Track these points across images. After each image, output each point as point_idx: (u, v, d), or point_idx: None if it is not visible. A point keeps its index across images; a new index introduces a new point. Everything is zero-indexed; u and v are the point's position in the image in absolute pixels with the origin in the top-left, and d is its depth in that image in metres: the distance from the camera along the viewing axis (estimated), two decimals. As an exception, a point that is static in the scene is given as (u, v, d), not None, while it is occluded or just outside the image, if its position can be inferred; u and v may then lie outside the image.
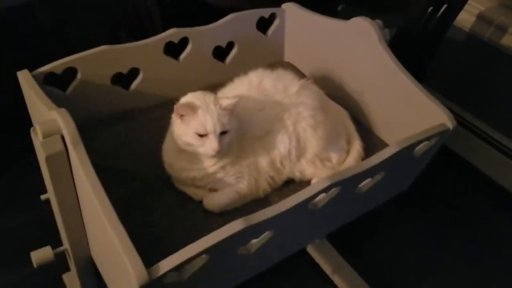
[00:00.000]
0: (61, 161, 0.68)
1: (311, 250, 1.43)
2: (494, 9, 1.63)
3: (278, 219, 0.68)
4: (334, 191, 0.75)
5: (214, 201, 0.82)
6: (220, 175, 0.82)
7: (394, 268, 1.47)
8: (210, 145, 0.77)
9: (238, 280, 0.80)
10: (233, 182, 0.83)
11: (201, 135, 0.77)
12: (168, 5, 1.37)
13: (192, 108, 0.77)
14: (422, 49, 1.21)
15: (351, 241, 1.51)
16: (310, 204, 0.74)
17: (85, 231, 0.79)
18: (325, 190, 0.72)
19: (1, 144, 1.58)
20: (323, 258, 1.40)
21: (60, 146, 0.67)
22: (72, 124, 0.66)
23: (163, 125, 0.90)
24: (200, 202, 0.84)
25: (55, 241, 0.90)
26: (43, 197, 0.90)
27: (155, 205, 0.82)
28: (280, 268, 1.37)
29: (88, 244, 0.82)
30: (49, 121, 0.67)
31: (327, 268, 1.40)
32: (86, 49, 0.91)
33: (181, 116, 0.79)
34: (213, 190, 0.84)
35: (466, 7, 1.52)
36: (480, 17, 1.63)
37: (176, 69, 1.02)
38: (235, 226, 0.63)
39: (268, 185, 0.86)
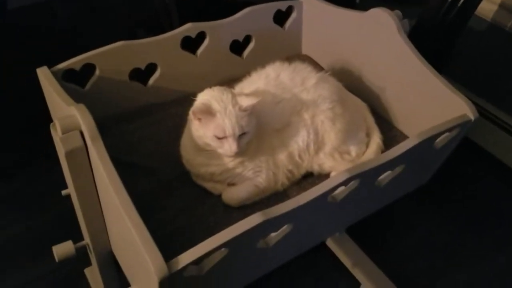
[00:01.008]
0: (80, 156, 0.69)
1: (331, 243, 1.43)
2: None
3: (297, 212, 0.68)
4: (353, 184, 0.74)
5: (233, 195, 0.82)
6: (238, 170, 0.82)
7: (414, 261, 1.45)
8: (229, 147, 0.77)
9: (257, 274, 0.80)
10: (251, 176, 0.82)
11: (220, 137, 0.77)
12: (186, 1, 1.37)
13: (210, 112, 0.77)
14: (443, 39, 1.18)
15: (371, 234, 1.50)
16: (329, 198, 0.73)
17: (105, 225, 0.80)
18: (344, 183, 0.71)
19: (22, 139, 1.61)
20: (343, 251, 1.39)
21: (79, 142, 0.67)
22: (90, 120, 0.67)
23: (180, 122, 0.90)
24: (219, 197, 0.84)
25: (77, 236, 0.91)
26: (63, 192, 0.91)
27: (173, 201, 0.82)
28: (300, 261, 1.37)
29: (108, 238, 0.83)
30: (68, 117, 0.67)
31: (347, 262, 1.39)
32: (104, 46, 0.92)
33: (199, 119, 0.78)
34: (231, 184, 0.84)
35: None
36: (502, 6, 1.59)
37: (193, 64, 1.02)
38: (254, 219, 0.63)
39: (286, 179, 0.85)
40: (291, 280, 1.37)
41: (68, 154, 0.67)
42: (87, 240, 0.85)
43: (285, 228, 0.71)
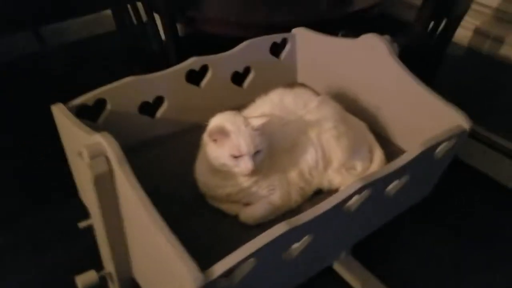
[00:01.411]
0: (107, 181, 0.71)
1: (338, 267, 1.45)
2: (489, 23, 1.70)
3: (317, 221, 0.71)
4: (366, 193, 0.78)
5: (250, 214, 0.85)
6: (254, 189, 0.85)
7: (417, 277, 1.48)
8: (245, 165, 0.80)
9: (288, 285, 0.82)
10: (266, 194, 0.86)
11: (235, 156, 0.81)
12: (182, 40, 1.43)
13: (224, 132, 0.81)
14: (427, 62, 1.26)
15: (375, 255, 1.52)
16: (345, 207, 0.77)
17: (128, 251, 0.82)
18: (358, 191, 0.75)
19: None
20: (351, 274, 1.41)
21: (105, 167, 0.70)
22: (116, 145, 0.70)
23: (191, 149, 0.93)
24: (235, 217, 0.87)
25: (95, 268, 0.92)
26: (81, 225, 0.93)
27: (193, 223, 0.85)
28: (308, 285, 1.39)
29: (130, 264, 0.84)
30: (94, 144, 0.70)
31: (356, 283, 1.40)
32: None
33: (214, 140, 0.82)
34: (247, 204, 0.87)
35: (463, 23, 1.60)
36: (477, 32, 1.70)
37: (198, 96, 1.07)
38: (280, 228, 0.66)
39: (299, 196, 0.89)
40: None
41: (96, 179, 0.70)
42: (109, 268, 0.86)
43: (306, 239, 0.74)
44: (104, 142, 0.70)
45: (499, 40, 1.65)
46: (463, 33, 1.71)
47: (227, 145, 0.80)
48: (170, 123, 1.05)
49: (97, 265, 0.93)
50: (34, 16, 2.39)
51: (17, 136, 1.90)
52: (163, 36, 1.40)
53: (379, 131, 1.08)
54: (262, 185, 0.86)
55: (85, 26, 2.68)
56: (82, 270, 0.88)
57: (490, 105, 1.77)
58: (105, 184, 0.72)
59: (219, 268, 0.62)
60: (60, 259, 1.44)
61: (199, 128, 0.87)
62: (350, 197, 0.75)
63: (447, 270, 1.51)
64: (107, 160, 0.71)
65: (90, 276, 0.84)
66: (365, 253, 1.49)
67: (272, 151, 0.87)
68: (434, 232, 1.64)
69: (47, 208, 1.61)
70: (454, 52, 1.74)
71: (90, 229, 0.93)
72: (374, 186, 0.78)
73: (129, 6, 1.43)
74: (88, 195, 0.78)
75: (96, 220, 0.79)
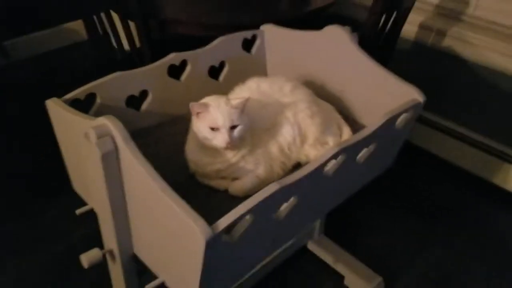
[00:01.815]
0: (113, 159, 0.79)
1: (312, 246, 1.56)
2: (431, 18, 1.88)
3: (302, 182, 0.81)
4: (341, 158, 0.89)
5: (240, 187, 0.94)
6: (241, 164, 0.95)
7: (384, 251, 1.62)
8: (222, 137, 0.90)
9: (273, 247, 0.91)
10: (252, 168, 0.95)
11: (213, 129, 0.90)
12: (156, 44, 1.51)
13: (205, 106, 0.91)
14: (383, 48, 1.41)
15: (345, 234, 1.65)
16: (324, 171, 0.88)
17: (130, 228, 0.89)
18: (335, 156, 0.86)
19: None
20: (324, 251, 1.52)
21: (112, 145, 0.78)
22: (121, 125, 0.78)
23: (176, 138, 1.02)
24: (225, 192, 0.96)
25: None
26: (78, 211, 0.99)
27: (186, 200, 0.93)
28: (286, 267, 1.50)
29: (132, 241, 0.91)
30: (99, 125, 0.78)
31: (329, 259, 1.52)
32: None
33: (197, 113, 0.92)
34: (234, 179, 0.96)
35: (409, 19, 1.76)
36: (422, 27, 1.87)
37: (179, 88, 1.15)
38: (271, 188, 0.76)
39: (281, 169, 0.99)
40: (280, 285, 1.48)
41: (104, 157, 0.77)
42: (110, 246, 0.92)
43: (292, 200, 0.84)
44: (109, 123, 0.78)
45: (442, 33, 1.82)
46: (410, 29, 1.88)
47: (207, 118, 0.90)
48: (154, 115, 1.12)
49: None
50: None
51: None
52: (136, 43, 1.48)
53: (345, 113, 1.20)
54: (248, 160, 0.95)
55: (46, 39, 2.70)
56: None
57: (437, 92, 1.94)
58: (111, 162, 0.79)
59: (223, 222, 0.71)
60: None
61: (182, 119, 0.96)
62: (328, 160, 0.85)
63: (410, 244, 1.66)
64: (112, 139, 0.78)
65: (95, 253, 0.91)
66: (337, 233, 1.61)
67: (254, 130, 0.97)
68: (397, 212, 1.79)
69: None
70: (403, 45, 1.91)
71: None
72: (347, 152, 0.89)
73: (102, 14, 1.50)
74: (92, 176, 0.85)
75: (100, 199, 0.86)
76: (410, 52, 1.92)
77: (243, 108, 0.94)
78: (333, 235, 1.58)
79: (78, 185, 1.04)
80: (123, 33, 1.59)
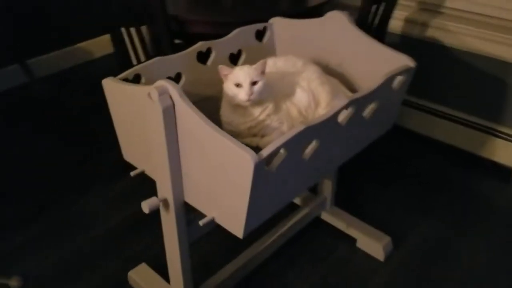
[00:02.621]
0: (171, 113, 0.98)
1: (325, 216, 1.74)
2: (415, 13, 2.11)
3: (322, 126, 1.01)
4: (351, 110, 1.09)
5: (268, 142, 1.13)
6: (267, 121, 1.14)
7: (389, 220, 1.81)
8: (244, 91, 1.10)
9: (304, 184, 1.11)
10: (277, 126, 1.15)
11: (238, 85, 1.10)
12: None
13: (230, 68, 1.13)
14: (376, 31, 1.62)
15: (354, 206, 1.84)
16: (338, 120, 1.07)
17: (182, 178, 1.08)
18: (346, 106, 1.06)
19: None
20: (337, 219, 1.71)
21: (170, 101, 0.97)
22: (176, 85, 0.97)
23: (209, 111, 1.20)
24: (257, 148, 1.14)
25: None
26: (133, 173, 1.17)
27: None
28: (303, 235, 1.68)
29: (183, 190, 1.10)
30: (159, 86, 0.97)
31: (342, 226, 1.70)
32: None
33: (225, 75, 1.12)
34: (263, 136, 1.15)
35: (395, 15, 2.00)
36: (407, 21, 2.10)
37: (206, 72, 1.35)
38: (299, 127, 0.95)
39: None
40: (298, 254, 1.66)
41: (164, 111, 0.97)
42: (165, 195, 1.11)
43: (314, 144, 1.03)
44: (167, 84, 0.97)
45: (425, 25, 2.05)
46: (397, 23, 2.11)
47: (232, 78, 1.11)
48: (188, 95, 1.31)
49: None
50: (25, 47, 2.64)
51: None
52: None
53: (349, 85, 1.40)
54: (273, 118, 1.14)
55: (60, 58, 2.91)
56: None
57: (422, 77, 2.16)
58: (169, 116, 0.98)
59: (265, 151, 0.90)
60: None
61: (211, 99, 1.16)
62: (341, 110, 1.05)
63: (410, 212, 1.85)
64: (170, 97, 0.98)
65: (153, 200, 1.09)
66: (346, 204, 1.80)
67: (276, 96, 1.17)
68: (396, 186, 1.98)
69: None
70: (391, 39, 2.13)
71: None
72: (356, 104, 1.09)
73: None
74: (151, 133, 1.03)
75: (158, 153, 1.04)
76: (398, 45, 2.14)
77: (263, 69, 1.13)
78: (343, 206, 1.77)
79: (129, 154, 1.23)
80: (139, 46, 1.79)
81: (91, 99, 2.61)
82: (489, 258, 1.65)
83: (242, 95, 1.10)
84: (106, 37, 3.07)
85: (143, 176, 1.20)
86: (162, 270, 1.48)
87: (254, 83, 1.11)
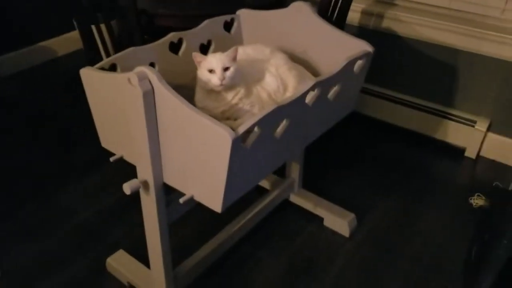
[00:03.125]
0: (151, 98, 1.04)
1: (294, 198, 1.83)
2: (371, 4, 2.24)
3: (291, 106, 1.09)
4: (317, 91, 1.18)
5: (241, 124, 1.21)
6: (240, 105, 1.22)
7: (352, 199, 1.92)
8: (216, 76, 1.17)
9: (276, 161, 1.19)
10: (249, 109, 1.23)
11: (211, 71, 1.18)
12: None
13: (204, 55, 1.20)
14: (337, 21, 1.74)
15: (320, 188, 1.94)
16: (305, 101, 1.16)
17: (161, 160, 1.14)
18: (312, 88, 1.15)
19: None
20: (305, 200, 1.81)
21: (149, 86, 1.03)
22: (155, 70, 1.04)
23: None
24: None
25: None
26: (112, 159, 1.23)
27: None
28: (272, 218, 1.78)
29: (163, 171, 1.16)
30: (139, 72, 1.03)
31: (309, 206, 1.80)
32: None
33: (199, 62, 1.20)
34: (236, 119, 1.23)
35: (353, 7, 2.11)
36: (364, 12, 2.23)
37: (178, 62, 1.41)
38: (271, 107, 1.04)
39: None
40: (269, 234, 1.75)
41: (144, 95, 1.03)
42: (145, 177, 1.17)
43: (285, 123, 1.12)
44: (146, 69, 1.03)
45: (380, 16, 2.18)
46: (355, 15, 2.23)
47: (205, 64, 1.19)
48: (161, 83, 1.38)
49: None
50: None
51: None
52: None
53: (314, 72, 1.50)
54: (245, 102, 1.22)
55: (24, 57, 2.89)
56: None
57: (379, 66, 2.30)
58: (149, 100, 1.04)
59: (241, 129, 0.98)
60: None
61: (184, 87, 1.22)
62: (308, 91, 1.14)
63: (371, 191, 1.97)
64: (149, 82, 1.04)
65: (134, 182, 1.15)
66: (312, 186, 1.90)
67: (247, 81, 1.25)
68: (357, 167, 2.10)
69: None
70: (349, 30, 2.25)
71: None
72: (321, 85, 1.18)
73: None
74: (131, 118, 1.09)
75: (138, 137, 1.10)
76: (356, 35, 2.26)
77: (234, 56, 1.20)
78: (310, 188, 1.87)
79: (108, 141, 1.28)
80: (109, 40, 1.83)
81: (60, 96, 2.62)
82: (443, 227, 1.79)
83: (215, 80, 1.17)
84: (70, 35, 3.07)
85: (117, 169, 1.25)
86: (139, 256, 1.54)
87: (226, 69, 1.18)
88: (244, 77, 1.24)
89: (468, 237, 1.74)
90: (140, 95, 1.03)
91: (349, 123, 2.38)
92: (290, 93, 1.31)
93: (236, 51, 1.21)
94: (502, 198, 1.54)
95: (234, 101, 1.21)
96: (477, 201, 1.90)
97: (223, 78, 1.17)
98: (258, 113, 1.21)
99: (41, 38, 2.97)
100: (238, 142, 0.98)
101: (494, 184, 1.96)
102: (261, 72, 1.30)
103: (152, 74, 1.03)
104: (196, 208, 1.40)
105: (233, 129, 0.97)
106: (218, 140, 0.97)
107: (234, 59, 1.21)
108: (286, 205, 1.84)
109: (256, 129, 1.03)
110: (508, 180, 2.02)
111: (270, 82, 1.29)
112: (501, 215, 1.33)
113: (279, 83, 1.30)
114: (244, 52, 1.34)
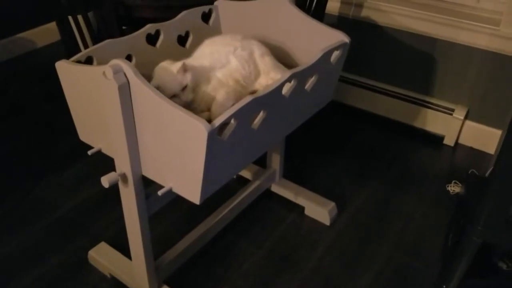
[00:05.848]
0: (126, 90, 1.04)
1: (275, 188, 1.85)
2: (350, -6, 2.25)
3: (268, 97, 1.10)
4: (294, 83, 1.19)
5: (214, 111, 1.21)
6: (200, 95, 1.22)
7: (333, 187, 1.95)
8: (180, 102, 1.16)
9: (254, 153, 1.20)
10: (213, 95, 1.22)
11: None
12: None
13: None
14: (316, 11, 1.74)
15: (301, 177, 1.96)
16: (282, 93, 1.17)
17: (139, 152, 1.14)
18: (289, 79, 1.16)
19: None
20: (286, 190, 1.82)
21: (125, 79, 1.03)
22: (130, 63, 1.03)
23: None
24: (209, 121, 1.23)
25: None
26: (90, 152, 1.22)
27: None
28: (254, 207, 1.79)
29: (141, 164, 1.16)
30: (114, 65, 1.03)
31: (290, 196, 1.82)
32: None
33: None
34: (209, 110, 1.24)
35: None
36: (343, 2, 2.23)
37: (156, 54, 1.41)
38: (247, 99, 1.04)
39: (238, 98, 1.25)
40: (251, 224, 1.76)
41: (120, 88, 1.03)
42: (123, 170, 1.17)
43: (262, 114, 1.13)
44: (121, 62, 1.03)
45: (359, 6, 2.19)
46: (334, 5, 2.24)
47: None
48: (139, 75, 1.38)
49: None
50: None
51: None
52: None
53: (291, 62, 1.50)
54: (206, 90, 1.22)
55: (4, 48, 2.84)
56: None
57: (359, 55, 2.31)
58: (125, 93, 1.04)
59: (217, 121, 0.98)
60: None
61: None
62: (284, 82, 1.15)
63: (351, 179, 2.00)
64: (124, 75, 1.04)
65: (112, 175, 1.15)
66: (293, 176, 1.92)
67: (210, 72, 1.25)
68: (337, 156, 2.13)
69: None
70: (329, 20, 2.26)
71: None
72: (298, 76, 1.19)
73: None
74: (107, 110, 1.09)
75: (115, 130, 1.10)
76: (335, 25, 2.27)
77: (184, 70, 1.18)
78: (291, 178, 1.89)
79: (85, 134, 1.27)
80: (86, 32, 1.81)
81: (39, 88, 2.59)
82: (423, 214, 1.83)
83: (181, 103, 1.16)
84: (48, 26, 3.03)
85: (97, 162, 1.25)
86: (121, 248, 1.55)
87: (183, 88, 1.18)
88: (205, 72, 1.25)
89: (446, 223, 1.78)
90: (115, 88, 1.03)
91: (329, 113, 2.40)
92: (264, 80, 1.32)
93: (184, 65, 1.19)
94: (477, 185, 1.58)
95: (190, 97, 1.21)
96: (454, 188, 1.93)
97: (186, 99, 1.19)
98: (222, 99, 1.23)
99: (19, 29, 2.92)
100: (214, 134, 0.99)
101: (470, 172, 2.00)
102: (228, 56, 1.29)
103: (127, 67, 1.03)
104: (178, 199, 1.41)
105: (209, 121, 0.97)
106: (194, 132, 0.98)
107: (185, 71, 1.19)
108: (268, 195, 1.86)
109: (232, 121, 1.04)
110: (485, 166, 2.07)
111: (240, 67, 1.29)
112: (476, 201, 1.36)
113: (251, 68, 1.30)
114: (212, 40, 1.35)
